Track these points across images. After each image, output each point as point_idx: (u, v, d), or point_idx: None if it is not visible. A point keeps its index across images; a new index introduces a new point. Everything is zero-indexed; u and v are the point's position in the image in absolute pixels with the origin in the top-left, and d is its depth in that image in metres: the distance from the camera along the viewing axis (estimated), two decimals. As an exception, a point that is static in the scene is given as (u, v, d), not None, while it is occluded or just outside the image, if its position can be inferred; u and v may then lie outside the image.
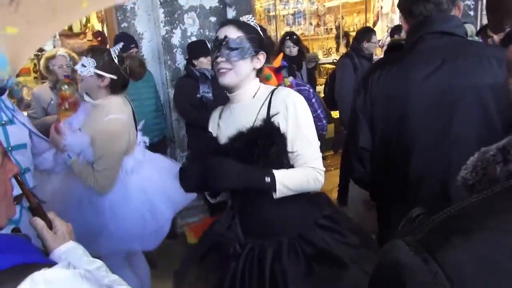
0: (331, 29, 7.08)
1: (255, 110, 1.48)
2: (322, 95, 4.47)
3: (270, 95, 1.49)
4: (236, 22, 1.47)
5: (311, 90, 2.93)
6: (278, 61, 2.72)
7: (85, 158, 1.93)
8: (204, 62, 3.22)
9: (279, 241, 1.44)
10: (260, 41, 1.48)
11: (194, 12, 3.67)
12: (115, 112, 1.93)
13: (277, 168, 1.41)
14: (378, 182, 1.60)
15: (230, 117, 1.55)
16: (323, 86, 4.79)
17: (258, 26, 1.51)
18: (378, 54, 5.04)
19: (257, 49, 1.46)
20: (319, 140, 3.05)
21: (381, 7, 5.77)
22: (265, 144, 1.40)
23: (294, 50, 3.98)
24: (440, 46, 1.39)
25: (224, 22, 1.51)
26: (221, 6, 3.86)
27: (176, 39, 3.62)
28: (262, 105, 1.48)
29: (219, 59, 1.42)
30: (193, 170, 1.41)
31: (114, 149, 1.93)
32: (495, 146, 0.51)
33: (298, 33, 7.22)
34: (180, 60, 3.63)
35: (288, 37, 4.01)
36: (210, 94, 3.09)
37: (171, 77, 3.62)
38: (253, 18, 1.52)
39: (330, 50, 7.08)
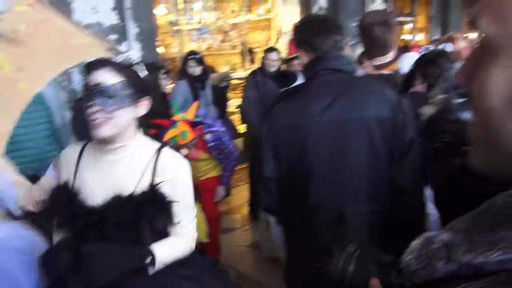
0: (236, 45, 7.23)
1: (138, 172, 1.33)
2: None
3: (156, 156, 1.36)
4: (112, 64, 1.27)
5: (221, 130, 2.90)
6: (191, 112, 2.70)
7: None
8: (103, 83, 3.06)
9: None
10: (143, 85, 1.32)
11: (92, 29, 3.47)
12: None
13: (157, 238, 1.31)
14: (284, 208, 1.67)
15: (102, 171, 1.34)
16: (231, 101, 4.87)
17: (141, 63, 1.36)
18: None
19: (140, 95, 1.31)
20: (232, 173, 3.04)
21: (282, 27, 6.05)
22: (153, 217, 1.29)
23: (197, 70, 3.96)
24: (332, 82, 1.52)
25: (95, 63, 1.28)
26: (122, 24, 3.71)
27: (71, 58, 3.38)
28: (147, 167, 1.33)
29: (94, 109, 1.22)
30: (62, 257, 1.15)
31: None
32: (440, 239, 0.51)
33: (204, 46, 7.29)
34: (78, 81, 3.39)
35: (191, 57, 3.98)
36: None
37: (68, 99, 3.36)
38: (134, 54, 1.38)
39: (236, 66, 7.22)
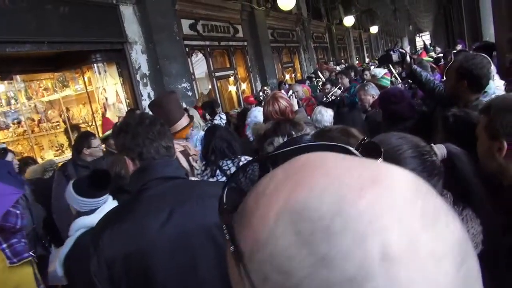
0: (58, 124, 6.51)
1: None
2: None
3: None
4: None
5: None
6: None
7: None
8: None
9: None
10: None
11: None
12: None
13: None
14: None
15: None
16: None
17: None
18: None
19: None
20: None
21: (106, 98, 5.70)
22: None
23: (11, 168, 3.35)
24: (166, 192, 1.36)
25: None
26: None
27: None
28: None
29: None
30: None
31: None
32: None
33: (19, 131, 6.35)
34: None
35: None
36: None
37: None
38: None
39: (63, 146, 6.46)
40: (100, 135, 6.01)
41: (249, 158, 2.86)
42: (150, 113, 2.75)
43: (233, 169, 2.77)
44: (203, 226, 1.32)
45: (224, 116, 4.37)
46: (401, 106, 2.89)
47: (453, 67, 2.46)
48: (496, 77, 3.16)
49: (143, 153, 1.38)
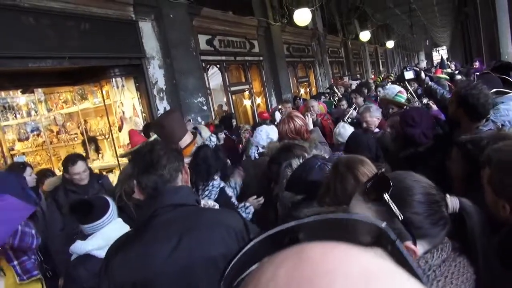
0: (76, 135, 6.64)
1: None
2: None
3: None
4: None
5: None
6: None
7: None
8: None
9: None
10: None
11: None
12: None
13: None
14: None
15: None
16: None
17: None
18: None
19: None
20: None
21: (123, 112, 5.80)
22: None
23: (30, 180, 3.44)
24: (174, 220, 1.38)
25: None
26: None
27: None
28: None
29: None
30: None
31: None
32: None
33: (38, 142, 6.50)
34: None
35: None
36: None
37: None
38: None
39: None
40: (117, 147, 6.14)
41: (216, 183, 2.77)
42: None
43: (200, 192, 2.72)
44: (209, 256, 1.33)
45: (214, 139, 4.33)
46: (416, 130, 2.84)
47: (454, 93, 2.46)
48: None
49: (140, 182, 1.42)
